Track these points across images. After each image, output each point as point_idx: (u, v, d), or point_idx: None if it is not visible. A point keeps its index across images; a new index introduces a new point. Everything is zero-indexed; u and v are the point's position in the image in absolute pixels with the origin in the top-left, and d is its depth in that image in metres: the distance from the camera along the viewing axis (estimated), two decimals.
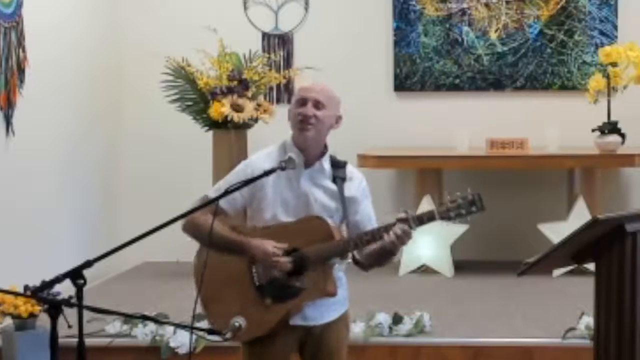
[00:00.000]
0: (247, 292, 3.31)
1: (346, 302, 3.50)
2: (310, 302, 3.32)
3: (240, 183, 3.22)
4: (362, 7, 7.19)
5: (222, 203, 3.28)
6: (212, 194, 3.34)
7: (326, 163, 3.40)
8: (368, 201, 3.47)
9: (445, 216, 3.27)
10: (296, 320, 3.36)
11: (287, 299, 3.29)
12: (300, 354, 3.47)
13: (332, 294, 3.31)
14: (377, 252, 3.32)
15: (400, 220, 3.25)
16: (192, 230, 3.36)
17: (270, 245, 3.27)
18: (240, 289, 3.32)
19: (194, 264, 3.42)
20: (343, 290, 3.44)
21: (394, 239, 3.22)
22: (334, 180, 3.39)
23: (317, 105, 3.34)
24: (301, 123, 3.32)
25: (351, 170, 3.46)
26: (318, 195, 3.37)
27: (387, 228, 3.25)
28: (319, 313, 3.38)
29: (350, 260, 3.39)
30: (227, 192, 3.19)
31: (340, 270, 3.42)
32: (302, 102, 3.35)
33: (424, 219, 3.27)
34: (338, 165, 3.42)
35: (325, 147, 3.43)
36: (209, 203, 3.24)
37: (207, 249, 3.30)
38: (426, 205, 6.35)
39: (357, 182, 3.45)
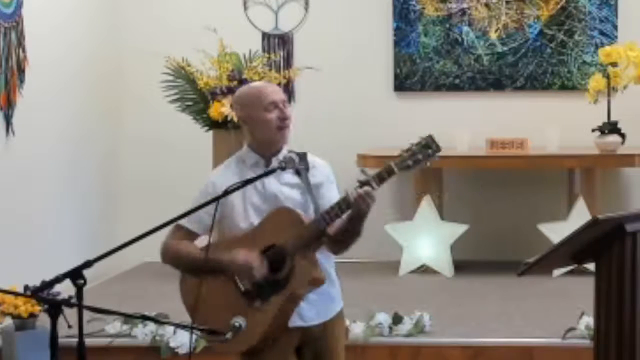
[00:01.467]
0: (236, 302, 3.28)
1: (340, 300, 3.49)
2: (299, 298, 3.29)
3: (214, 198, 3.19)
4: (362, 7, 7.19)
5: (191, 226, 3.34)
6: (185, 223, 3.33)
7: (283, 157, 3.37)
8: (332, 186, 3.42)
9: (403, 166, 3.24)
10: (295, 322, 3.34)
11: (275, 295, 3.26)
12: (298, 357, 3.43)
13: (319, 280, 3.28)
14: (345, 226, 3.26)
15: (361, 182, 3.22)
16: (171, 261, 3.42)
17: (240, 254, 3.26)
18: (228, 301, 3.29)
19: (181, 290, 3.44)
20: (335, 288, 3.44)
21: (356, 199, 3.16)
22: (298, 172, 3.36)
23: (285, 104, 3.38)
24: (281, 127, 3.33)
25: (313, 159, 3.43)
26: (287, 193, 3.35)
27: (350, 193, 3.20)
28: (316, 312, 3.37)
29: (324, 242, 3.33)
30: (187, 213, 3.19)
31: (330, 268, 3.41)
32: (274, 105, 3.34)
33: (383, 175, 3.23)
34: (299, 157, 3.38)
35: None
36: (172, 222, 3.20)
37: (190, 276, 3.34)
38: (426, 205, 6.36)
39: (320, 168, 3.42)
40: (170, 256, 3.41)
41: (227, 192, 3.18)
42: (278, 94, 3.38)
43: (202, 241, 3.39)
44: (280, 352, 3.36)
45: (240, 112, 3.44)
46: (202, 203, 3.19)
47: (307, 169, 3.37)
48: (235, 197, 3.32)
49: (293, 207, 3.31)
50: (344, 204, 3.21)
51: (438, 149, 3.25)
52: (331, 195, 3.38)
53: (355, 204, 3.19)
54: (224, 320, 3.15)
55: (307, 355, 3.43)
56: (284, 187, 3.36)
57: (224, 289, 3.31)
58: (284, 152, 3.38)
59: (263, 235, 3.29)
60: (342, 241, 3.32)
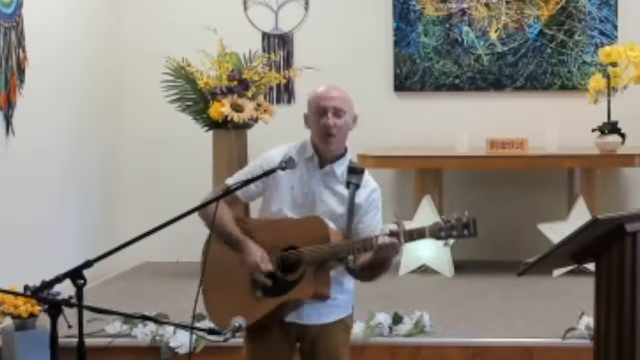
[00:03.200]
0: (243, 282, 3.36)
1: (348, 308, 3.50)
2: (301, 300, 3.33)
3: (255, 177, 3.31)
4: (362, 8, 7.19)
5: (238, 193, 3.40)
6: (230, 181, 3.41)
7: (339, 167, 3.40)
8: (375, 213, 3.44)
9: (435, 235, 3.26)
10: (290, 318, 3.39)
11: (277, 295, 3.32)
12: (299, 353, 3.49)
13: (324, 296, 3.33)
14: (368, 263, 3.31)
15: (390, 232, 3.25)
16: (203, 214, 3.41)
17: (260, 258, 3.32)
18: (237, 278, 3.37)
19: (203, 249, 3.46)
20: (346, 295, 3.46)
21: (380, 246, 3.21)
22: (347, 185, 3.39)
23: (338, 113, 3.37)
24: (325, 135, 3.35)
25: (367, 178, 3.45)
26: (325, 197, 3.39)
27: (378, 238, 3.25)
28: (316, 313, 3.40)
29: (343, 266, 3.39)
30: (242, 185, 3.31)
31: (346, 277, 3.43)
32: (323, 111, 3.36)
33: (413, 235, 3.27)
34: (355, 172, 3.42)
35: (345, 150, 3.45)
36: (225, 193, 3.32)
37: (211, 239, 3.38)
38: (426, 205, 6.36)
39: (369, 190, 3.44)
40: (206, 215, 3.39)
41: (230, 191, 3.22)
42: (330, 101, 3.37)
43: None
44: (281, 346, 3.42)
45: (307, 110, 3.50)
46: (254, 175, 3.32)
47: (357, 185, 3.40)
48: (282, 179, 3.38)
49: (324, 212, 3.35)
50: (368, 244, 3.25)
51: (475, 234, 3.25)
52: (373, 225, 3.41)
53: (377, 251, 3.22)
54: (225, 294, 3.30)
55: (305, 352, 3.47)
56: (325, 191, 3.39)
57: (238, 267, 3.38)
58: (342, 161, 3.41)
59: (291, 234, 3.34)
60: (364, 275, 3.39)
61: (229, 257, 3.39)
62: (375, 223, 3.43)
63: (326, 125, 3.34)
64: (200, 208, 3.22)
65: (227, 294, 3.36)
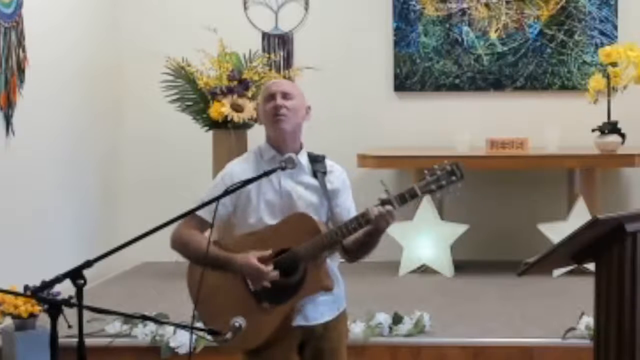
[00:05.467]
0: (244, 301, 3.29)
1: (344, 300, 3.50)
2: (309, 299, 3.31)
3: (234, 188, 3.19)
4: (362, 7, 7.19)
5: (206, 216, 3.29)
6: (199, 212, 3.29)
7: (303, 158, 3.40)
8: (348, 193, 3.45)
9: (426, 190, 3.27)
10: (298, 321, 3.35)
11: (285, 300, 3.29)
12: (300, 355, 3.45)
13: (329, 288, 3.31)
14: (362, 239, 3.30)
15: (382, 201, 3.24)
16: (180, 248, 3.39)
17: (254, 258, 3.24)
18: (236, 298, 3.30)
19: (187, 279, 3.42)
20: (340, 288, 3.45)
21: (377, 217, 3.19)
22: (315, 175, 3.39)
23: (286, 96, 3.36)
24: (275, 115, 3.33)
25: (331, 163, 3.46)
26: (301, 193, 3.36)
27: (372, 210, 3.22)
28: (320, 313, 3.39)
29: (338, 253, 3.38)
30: (206, 204, 3.19)
31: (335, 268, 3.42)
32: (271, 96, 3.36)
33: (406, 197, 3.25)
34: (317, 160, 3.42)
35: (301, 143, 3.43)
36: (188, 214, 3.20)
37: (197, 265, 3.31)
38: (426, 204, 6.35)
39: (337, 173, 3.44)
40: (180, 244, 3.39)
41: (227, 192, 3.18)
42: (278, 86, 3.39)
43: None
44: (283, 351, 3.37)
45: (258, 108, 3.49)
46: (218, 194, 3.18)
47: (324, 172, 3.39)
48: (252, 191, 3.33)
49: (306, 207, 3.33)
50: (363, 220, 3.23)
51: (462, 177, 3.28)
52: (348, 204, 3.42)
53: (375, 222, 3.21)
54: (229, 318, 3.12)
55: (308, 353, 3.43)
56: (298, 186, 3.37)
57: (233, 287, 3.32)
58: (302, 152, 3.40)
59: (278, 237, 3.30)
60: (357, 252, 3.37)
61: (221, 282, 3.31)
62: (350, 203, 3.43)
63: (275, 106, 3.32)
64: (177, 220, 3.09)
65: (232, 318, 3.12)
